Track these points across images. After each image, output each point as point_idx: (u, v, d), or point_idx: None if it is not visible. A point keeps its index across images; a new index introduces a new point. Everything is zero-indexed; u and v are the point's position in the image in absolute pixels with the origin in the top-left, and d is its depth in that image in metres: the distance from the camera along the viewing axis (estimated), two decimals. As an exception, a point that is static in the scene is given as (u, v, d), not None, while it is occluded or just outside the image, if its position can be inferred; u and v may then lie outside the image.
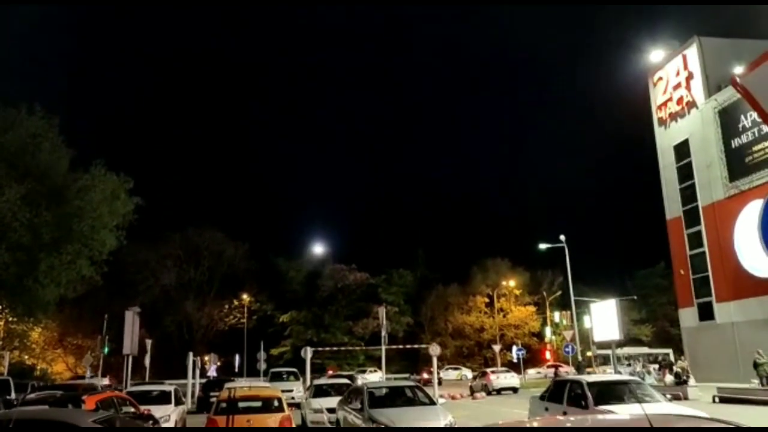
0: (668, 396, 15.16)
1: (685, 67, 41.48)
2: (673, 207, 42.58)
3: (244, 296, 71.25)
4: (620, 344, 39.48)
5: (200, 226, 69.42)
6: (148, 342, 35.85)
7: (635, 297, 67.99)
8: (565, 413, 11.62)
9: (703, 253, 39.61)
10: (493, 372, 40.72)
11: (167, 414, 16.85)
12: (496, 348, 58.07)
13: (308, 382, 29.83)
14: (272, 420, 12.34)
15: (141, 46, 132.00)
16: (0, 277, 30.12)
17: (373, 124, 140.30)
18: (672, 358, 42.18)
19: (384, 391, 16.12)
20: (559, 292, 71.65)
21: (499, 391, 37.31)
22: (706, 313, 39.60)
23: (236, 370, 58.58)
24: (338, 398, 18.13)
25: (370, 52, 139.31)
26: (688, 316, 41.66)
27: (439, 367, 46.49)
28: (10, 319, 37.70)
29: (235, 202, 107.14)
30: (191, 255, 69.89)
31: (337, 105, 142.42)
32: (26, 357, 49.58)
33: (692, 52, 40.95)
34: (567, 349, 49.46)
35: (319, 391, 21.73)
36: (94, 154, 34.66)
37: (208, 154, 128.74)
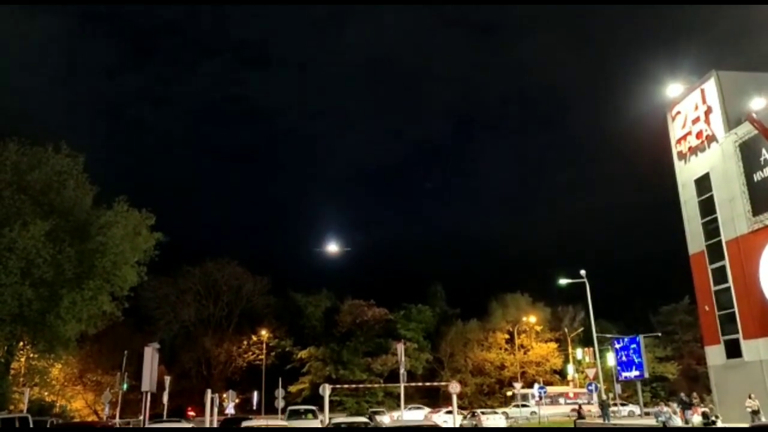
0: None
1: (704, 101, 41.32)
2: (695, 242, 41.92)
3: (263, 332, 71.04)
4: (645, 382, 38.51)
5: (220, 261, 69.80)
6: (167, 379, 35.84)
7: (659, 334, 66.58)
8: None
9: (728, 288, 38.75)
10: (483, 413, 45.40)
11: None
12: (518, 386, 56.94)
13: (327, 420, 29.42)
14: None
15: (166, 87, 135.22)
16: (23, 313, 30.45)
17: (393, 163, 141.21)
18: (696, 397, 40.94)
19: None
20: (581, 329, 70.48)
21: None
22: (733, 350, 38.53)
23: (254, 407, 58.07)
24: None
25: (389, 92, 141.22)
26: (714, 354, 40.59)
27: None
28: (32, 355, 37.93)
29: (255, 236, 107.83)
30: (211, 290, 70.11)
31: (357, 143, 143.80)
32: (46, 394, 49.64)
33: (710, 86, 40.82)
34: (590, 388, 48.40)
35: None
36: (118, 190, 35.18)
37: (229, 188, 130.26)
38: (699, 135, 41.79)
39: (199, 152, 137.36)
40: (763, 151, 35.71)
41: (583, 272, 46.14)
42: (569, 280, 48.28)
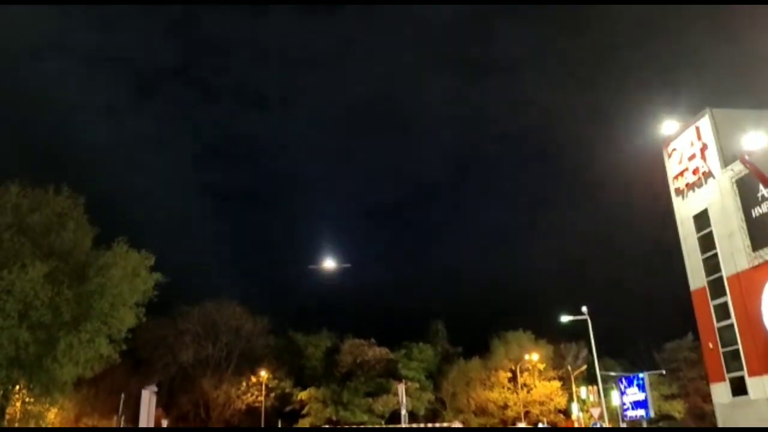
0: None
1: (699, 138, 41.76)
2: (696, 277, 41.80)
3: (262, 373, 70.12)
4: (652, 421, 37.88)
5: (219, 301, 69.36)
6: (165, 422, 35.25)
7: (664, 371, 65.73)
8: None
9: (732, 325, 38.49)
10: None
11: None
12: (521, 426, 55.96)
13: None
14: None
15: (167, 128, 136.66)
16: (19, 357, 30.09)
17: (392, 201, 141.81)
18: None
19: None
20: (585, 366, 69.60)
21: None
22: (738, 388, 38.03)
23: (253, 450, 56.93)
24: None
25: (387, 131, 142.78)
26: (720, 392, 40.04)
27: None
28: (27, 399, 37.34)
29: (255, 276, 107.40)
30: (210, 331, 69.47)
31: (356, 182, 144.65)
32: (41, 439, 48.66)
33: (705, 123, 41.32)
34: (595, 427, 47.55)
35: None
36: (118, 230, 35.20)
37: (229, 228, 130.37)
38: (695, 171, 42.09)
39: (198, 192, 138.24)
40: (760, 187, 35.93)
41: (584, 309, 45.89)
42: (571, 317, 47.94)
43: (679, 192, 43.92)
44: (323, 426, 39.40)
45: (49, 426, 47.47)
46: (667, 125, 45.08)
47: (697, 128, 42.25)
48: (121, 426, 42.85)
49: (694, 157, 42.37)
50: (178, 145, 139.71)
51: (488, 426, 72.10)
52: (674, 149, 44.63)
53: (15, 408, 38.94)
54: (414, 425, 47.77)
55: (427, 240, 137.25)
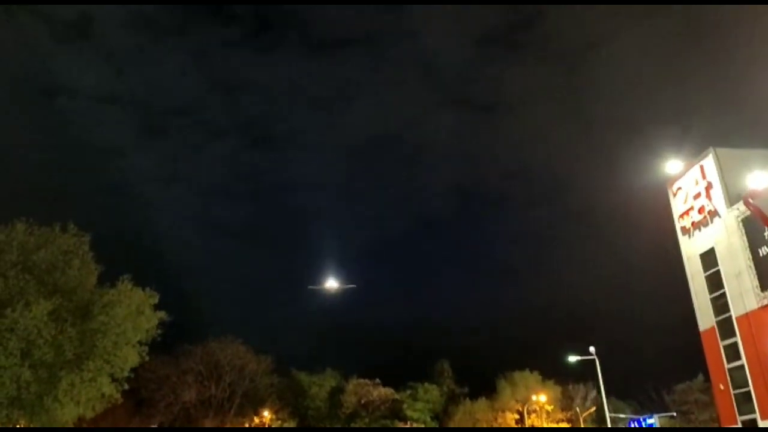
0: None
1: (704, 177, 41.82)
2: (705, 317, 41.29)
3: (266, 413, 69.05)
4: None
5: (223, 340, 68.75)
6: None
7: (675, 414, 64.42)
8: None
9: (742, 366, 37.83)
10: None
11: None
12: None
13: None
14: None
15: (175, 165, 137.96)
16: (20, 397, 29.78)
17: (396, 236, 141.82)
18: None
19: None
20: (594, 408, 68.29)
21: None
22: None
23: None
24: None
25: (391, 167, 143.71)
26: (732, 435, 39.11)
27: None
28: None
29: (258, 313, 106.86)
30: (213, 370, 68.67)
31: (360, 218, 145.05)
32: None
33: (709, 163, 41.44)
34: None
35: None
36: (123, 267, 35.23)
37: (233, 265, 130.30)
38: (701, 210, 42.02)
39: (204, 229, 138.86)
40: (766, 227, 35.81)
41: (592, 349, 45.30)
42: (579, 357, 47.29)
43: (685, 231, 43.76)
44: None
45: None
46: (672, 164, 45.21)
47: (702, 167, 42.36)
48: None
49: (700, 196, 42.35)
50: (185, 182, 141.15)
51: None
52: (679, 188, 44.66)
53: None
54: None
55: (432, 276, 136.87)
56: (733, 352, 38.84)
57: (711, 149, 41.69)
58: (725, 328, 39.48)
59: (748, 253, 37.45)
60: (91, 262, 34.88)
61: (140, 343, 34.34)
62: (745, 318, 37.60)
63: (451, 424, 71.58)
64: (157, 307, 35.15)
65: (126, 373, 33.64)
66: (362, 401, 70.94)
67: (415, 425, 61.92)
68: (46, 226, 33.83)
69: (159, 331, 35.37)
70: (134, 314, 33.82)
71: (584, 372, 58.10)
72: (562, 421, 72.59)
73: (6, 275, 30.91)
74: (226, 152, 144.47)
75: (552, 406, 73.56)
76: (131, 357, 33.53)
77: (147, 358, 35.42)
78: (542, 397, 72.93)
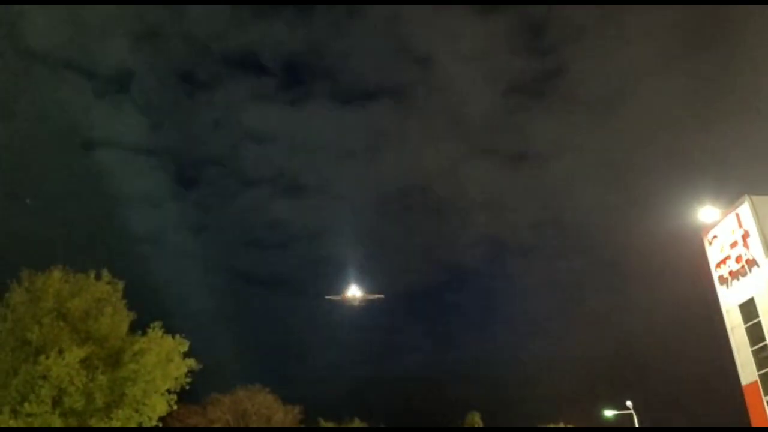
0: None
1: (740, 226, 40.91)
2: (747, 371, 39.72)
3: (292, 464, 67.64)
4: None
5: (251, 388, 68.18)
6: None
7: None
8: None
9: (788, 422, 36.13)
10: None
11: None
12: None
13: None
14: None
15: (206, 214, 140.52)
16: (49, 445, 29.85)
17: (425, 286, 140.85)
18: None
19: None
20: (632, 466, 65.40)
21: None
22: (802, 493, 35.15)
23: None
24: None
25: (421, 217, 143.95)
26: (781, 497, 37.00)
27: None
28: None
29: (286, 362, 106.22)
30: (240, 420, 67.90)
31: (389, 267, 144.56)
32: None
33: (745, 211, 40.60)
34: None
35: None
36: (153, 314, 35.62)
37: (262, 313, 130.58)
38: (738, 259, 40.96)
39: (233, 277, 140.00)
40: (809, 275, 34.69)
41: (629, 403, 43.79)
42: (615, 412, 45.71)
43: (722, 280, 42.60)
44: None
45: None
46: (705, 212, 44.42)
47: (738, 215, 41.52)
48: None
49: (736, 245, 41.35)
50: (216, 231, 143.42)
51: None
52: (715, 236, 43.73)
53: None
54: None
55: (461, 326, 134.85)
56: (778, 408, 37.17)
57: (746, 197, 40.91)
58: (769, 382, 37.92)
59: (790, 304, 36.23)
60: (124, 309, 35.36)
61: (169, 391, 34.32)
62: (790, 372, 36.10)
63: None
64: (186, 355, 35.27)
65: (154, 422, 33.56)
66: (390, 453, 69.26)
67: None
68: (81, 273, 34.57)
69: (188, 380, 35.34)
70: (164, 362, 33.95)
71: (621, 427, 55.92)
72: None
73: (41, 322, 31.49)
74: (256, 202, 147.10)
75: (588, 463, 70.60)
76: (160, 406, 33.49)
77: (175, 407, 35.31)
78: (577, 453, 70.12)
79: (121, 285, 35.31)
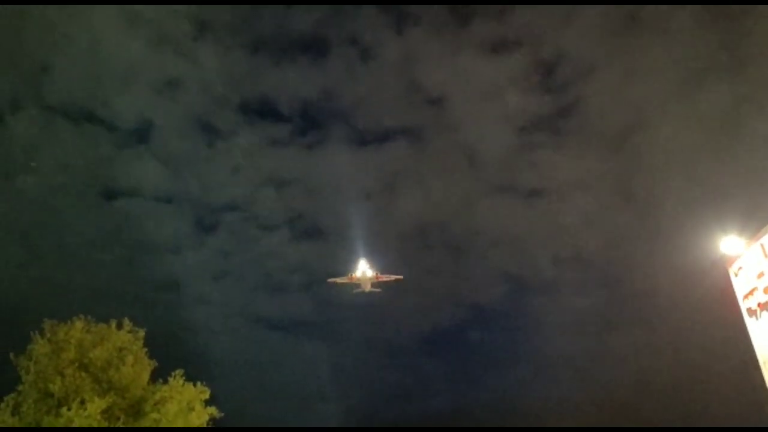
0: None
1: (765, 256, 40.02)
2: (783, 405, 38.44)
3: None
4: None
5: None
6: None
7: None
8: None
9: (831, 460, 34.69)
10: None
11: None
12: None
13: None
14: None
15: (226, 260, 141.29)
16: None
17: (446, 326, 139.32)
18: None
19: None
20: None
21: None
22: None
23: None
24: None
25: (440, 256, 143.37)
26: None
27: None
28: None
29: (308, 408, 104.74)
30: (262, 468, 66.80)
31: (409, 308, 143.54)
32: None
33: (769, 240, 39.98)
34: None
35: None
36: (174, 362, 35.62)
37: (283, 359, 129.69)
38: (766, 290, 40.10)
39: (254, 323, 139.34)
40: (840, 305, 33.77)
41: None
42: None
43: (751, 312, 41.52)
44: None
45: None
46: (729, 243, 43.68)
47: (762, 246, 40.69)
48: None
49: (763, 276, 40.38)
50: (236, 276, 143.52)
51: None
52: (740, 268, 42.82)
53: None
54: None
55: (484, 367, 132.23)
56: (819, 445, 35.75)
57: (769, 226, 40.29)
58: (807, 417, 36.55)
59: (823, 335, 35.16)
60: (145, 357, 35.40)
61: (191, 441, 34.02)
62: (829, 406, 34.81)
63: None
64: (207, 403, 35.08)
65: (175, 472, 33.16)
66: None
67: None
68: (102, 322, 34.81)
69: (210, 428, 35.06)
70: (185, 411, 33.78)
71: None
72: None
73: (63, 373, 31.61)
74: (275, 246, 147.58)
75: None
76: (181, 456, 33.16)
77: (197, 457, 34.91)
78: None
79: (142, 333, 35.46)
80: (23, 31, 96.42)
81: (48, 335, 33.28)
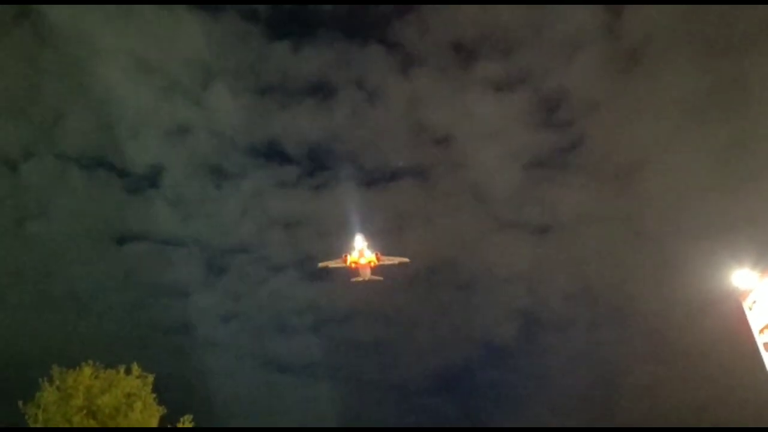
0: None
1: (779, 288, 39.78)
2: (806, 442, 37.45)
3: None
4: None
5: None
6: None
7: None
8: None
9: None
10: None
11: None
12: None
13: None
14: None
15: (235, 302, 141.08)
16: None
17: (458, 365, 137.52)
18: None
19: None
20: None
21: None
22: None
23: None
24: None
25: (450, 294, 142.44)
26: None
27: None
28: None
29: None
30: None
31: (421, 347, 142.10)
32: None
33: (782, 273, 39.61)
34: None
35: None
36: (184, 406, 35.27)
37: (294, 401, 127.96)
38: (783, 323, 39.58)
39: (263, 365, 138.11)
40: None
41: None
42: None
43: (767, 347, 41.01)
44: None
45: None
46: (741, 276, 43.38)
47: (774, 278, 40.46)
48: None
49: (777, 309, 40.06)
50: (245, 318, 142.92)
51: None
52: (755, 301, 42.46)
53: None
54: None
55: (496, 406, 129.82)
56: None
57: (781, 259, 39.98)
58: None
59: (842, 368, 34.52)
60: (154, 404, 35.07)
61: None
62: None
63: None
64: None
65: None
66: None
67: None
68: (111, 368, 34.63)
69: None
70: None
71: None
72: None
73: (71, 420, 31.36)
74: (284, 287, 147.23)
75: None
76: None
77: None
78: None
79: (151, 378, 35.22)
80: (37, 80, 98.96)
81: (57, 382, 33.10)
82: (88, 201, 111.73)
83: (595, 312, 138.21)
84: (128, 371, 34.54)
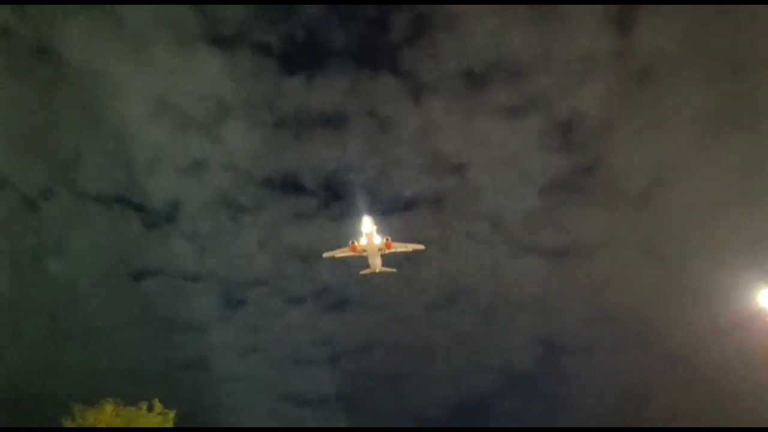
0: None
1: (808, 307, 38.99)
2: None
3: None
4: None
5: None
6: None
7: None
8: None
9: None
10: None
11: None
12: None
13: None
14: None
15: (254, 335, 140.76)
16: None
17: (479, 394, 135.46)
18: None
19: None
20: None
21: None
22: None
23: None
24: None
25: (468, 322, 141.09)
26: None
27: None
28: None
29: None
30: None
31: (440, 377, 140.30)
32: None
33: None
34: None
35: None
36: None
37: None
38: (813, 343, 38.62)
39: (282, 399, 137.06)
40: None
41: None
42: None
43: (798, 367, 39.94)
44: None
45: None
46: (764, 295, 42.65)
47: (801, 296, 39.68)
48: None
49: (806, 328, 39.16)
50: (263, 352, 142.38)
51: None
52: (781, 320, 41.62)
53: None
54: None
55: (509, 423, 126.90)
56: None
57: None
58: None
59: None
60: (174, 440, 34.95)
61: None
62: None
63: None
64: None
65: None
66: None
67: None
68: (131, 404, 34.61)
69: None
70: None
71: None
72: None
73: (93, 459, 31.23)
74: (302, 319, 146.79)
75: None
76: None
77: None
78: None
79: (172, 415, 35.19)
80: (55, 118, 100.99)
81: (78, 420, 33.10)
82: (105, 237, 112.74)
83: (616, 336, 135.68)
84: (150, 408, 34.52)
